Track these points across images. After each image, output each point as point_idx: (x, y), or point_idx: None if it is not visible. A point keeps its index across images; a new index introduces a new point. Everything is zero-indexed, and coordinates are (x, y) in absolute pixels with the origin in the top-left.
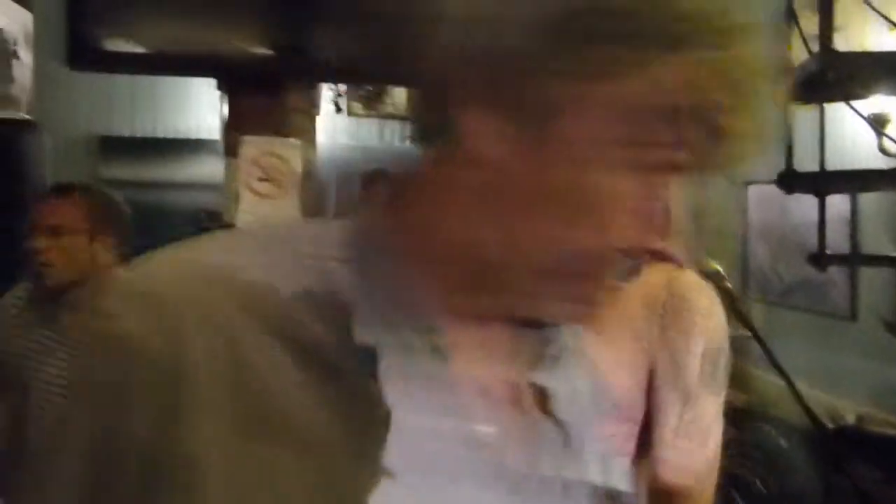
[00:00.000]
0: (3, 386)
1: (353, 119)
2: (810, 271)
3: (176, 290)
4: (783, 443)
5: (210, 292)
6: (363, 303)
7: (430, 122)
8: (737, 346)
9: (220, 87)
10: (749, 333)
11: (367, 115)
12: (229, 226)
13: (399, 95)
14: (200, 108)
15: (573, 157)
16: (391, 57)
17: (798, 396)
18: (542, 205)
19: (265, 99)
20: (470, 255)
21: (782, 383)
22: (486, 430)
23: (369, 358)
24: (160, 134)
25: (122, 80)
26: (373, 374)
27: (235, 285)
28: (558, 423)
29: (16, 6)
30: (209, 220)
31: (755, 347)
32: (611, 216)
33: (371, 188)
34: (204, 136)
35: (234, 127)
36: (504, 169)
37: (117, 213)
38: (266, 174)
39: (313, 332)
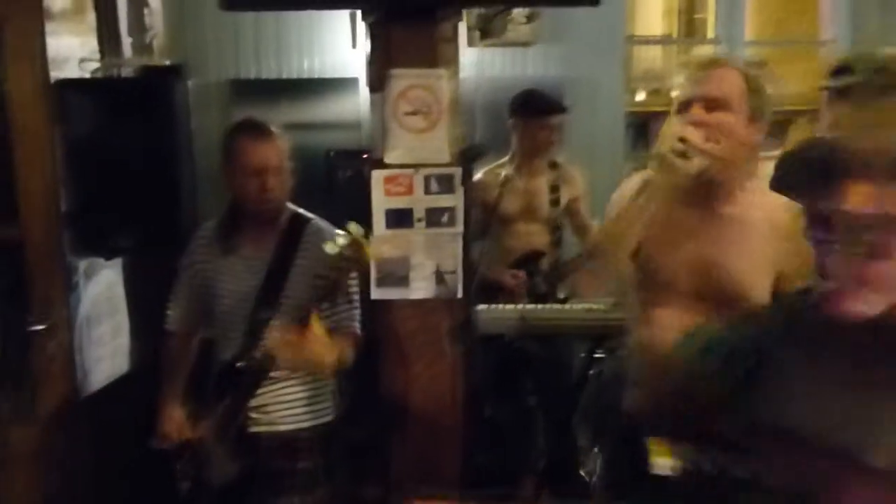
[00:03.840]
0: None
1: (476, 50)
2: None
3: None
4: None
5: None
6: None
7: None
8: None
9: (365, 19)
10: None
11: (491, 45)
12: (380, 162)
13: (521, 22)
14: (333, 47)
15: None
16: None
17: None
18: None
19: (414, 29)
20: None
21: None
22: None
23: None
24: (294, 74)
25: (254, 23)
26: None
27: None
28: None
29: None
30: (338, 160)
31: None
32: None
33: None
34: (337, 74)
35: (382, 60)
36: None
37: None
38: (415, 107)
39: None
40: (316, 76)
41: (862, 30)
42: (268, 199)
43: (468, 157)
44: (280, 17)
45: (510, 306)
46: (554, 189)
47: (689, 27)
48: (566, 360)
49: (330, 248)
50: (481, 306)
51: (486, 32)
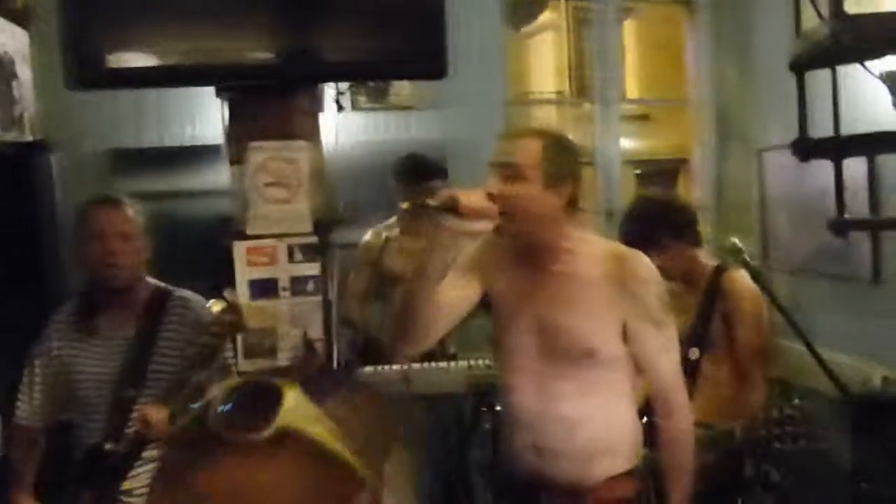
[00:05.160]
0: None
1: (359, 114)
2: (831, 237)
3: None
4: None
5: None
6: None
7: None
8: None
9: (219, 95)
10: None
11: (374, 109)
12: (242, 234)
13: (404, 86)
14: (210, 114)
15: None
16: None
17: (821, 362)
18: None
19: (268, 103)
20: None
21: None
22: None
23: None
24: (177, 142)
25: (127, 94)
26: None
27: None
28: None
29: (11, 25)
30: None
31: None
32: None
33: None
34: (215, 142)
35: (240, 133)
36: None
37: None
38: (275, 178)
39: None
40: (200, 143)
41: (724, 87)
42: (112, 264)
43: (326, 226)
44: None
45: (395, 367)
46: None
47: (580, 83)
48: (454, 420)
49: (213, 310)
50: (365, 369)
51: (369, 96)
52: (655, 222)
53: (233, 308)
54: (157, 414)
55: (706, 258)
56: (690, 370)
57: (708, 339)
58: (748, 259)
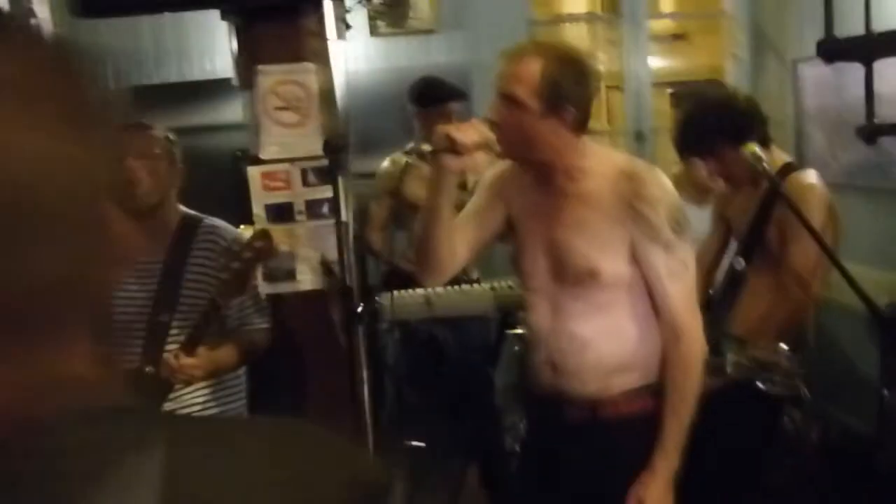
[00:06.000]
0: None
1: (380, 40)
2: (867, 150)
3: None
4: (845, 329)
5: None
6: None
7: None
8: None
9: (225, 18)
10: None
11: (394, 34)
12: (256, 159)
13: (423, 9)
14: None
15: None
16: None
17: (849, 279)
18: None
19: (275, 25)
20: None
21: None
22: None
23: None
24: (196, 77)
25: (147, 30)
26: None
27: None
28: None
29: None
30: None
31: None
32: None
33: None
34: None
35: (248, 58)
36: None
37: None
38: (285, 102)
39: None
40: (219, 76)
41: (758, 3)
42: (135, 190)
43: (333, 147)
44: (178, 20)
45: (418, 291)
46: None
47: (612, 4)
48: (479, 342)
49: (244, 236)
50: (387, 294)
51: (388, 21)
52: (710, 127)
53: (263, 234)
54: (182, 360)
55: (779, 157)
56: (734, 281)
57: (761, 247)
58: (767, 168)
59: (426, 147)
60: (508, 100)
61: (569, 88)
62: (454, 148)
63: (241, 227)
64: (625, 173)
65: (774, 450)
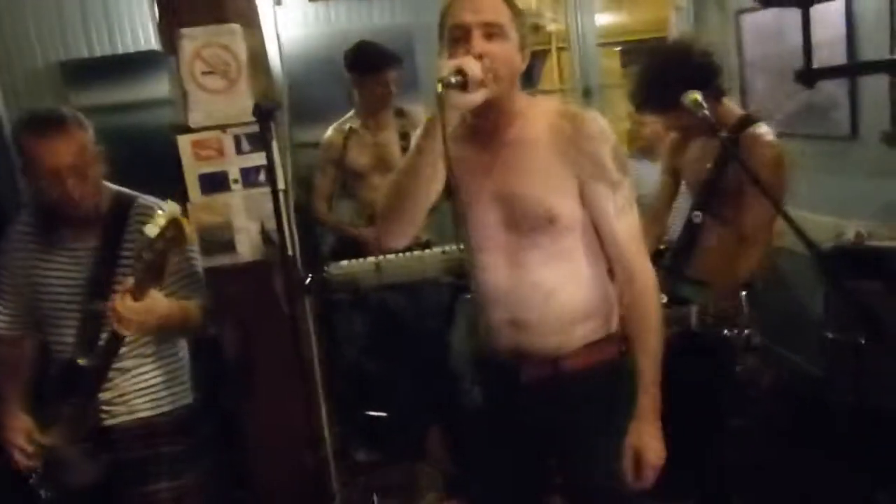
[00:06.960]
0: None
1: (319, 4)
2: (810, 97)
3: None
4: (791, 274)
5: None
6: None
7: None
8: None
9: None
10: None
11: None
12: (185, 127)
13: None
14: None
15: None
16: None
17: (788, 219)
18: None
19: None
20: None
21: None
22: None
23: None
24: (130, 49)
25: (72, 4)
26: None
27: None
28: None
29: None
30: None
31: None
32: None
33: None
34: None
35: (171, 20)
36: None
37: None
38: (211, 67)
39: None
40: (154, 48)
41: None
42: (72, 201)
43: (263, 112)
44: None
45: (368, 259)
46: (404, 136)
47: None
48: (434, 307)
49: (150, 231)
50: (336, 263)
51: None
52: (672, 80)
53: (174, 223)
54: (126, 303)
55: (733, 109)
56: (690, 232)
57: (717, 198)
58: (707, 114)
59: (441, 78)
60: (492, 30)
61: (528, 29)
62: (465, 83)
63: (158, 213)
64: (564, 115)
65: (732, 394)
